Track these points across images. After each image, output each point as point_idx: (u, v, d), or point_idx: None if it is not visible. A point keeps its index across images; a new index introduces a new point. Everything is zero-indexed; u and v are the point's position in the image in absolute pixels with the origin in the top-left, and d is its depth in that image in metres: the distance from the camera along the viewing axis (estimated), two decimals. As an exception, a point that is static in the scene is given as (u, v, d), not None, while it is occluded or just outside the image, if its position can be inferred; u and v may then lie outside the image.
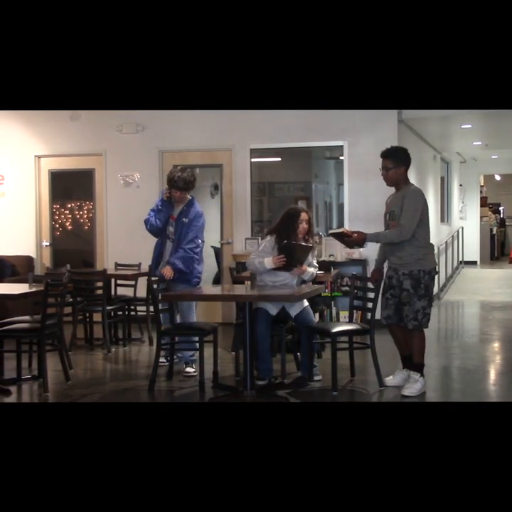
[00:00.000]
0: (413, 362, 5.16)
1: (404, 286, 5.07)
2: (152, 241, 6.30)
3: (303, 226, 5.48)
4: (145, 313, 7.48)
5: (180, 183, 5.86)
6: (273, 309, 5.42)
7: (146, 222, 6.09)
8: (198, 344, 5.46)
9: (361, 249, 5.28)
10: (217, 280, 8.66)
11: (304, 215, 5.51)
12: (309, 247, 5.49)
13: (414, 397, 5.04)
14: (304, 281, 5.56)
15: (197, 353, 5.99)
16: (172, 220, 6.03)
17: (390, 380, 5.38)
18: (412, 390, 5.09)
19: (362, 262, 7.90)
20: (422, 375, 5.14)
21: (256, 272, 5.39)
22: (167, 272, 5.84)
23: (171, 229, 6.04)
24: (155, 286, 5.61)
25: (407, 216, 5.00)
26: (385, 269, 5.38)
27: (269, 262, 5.33)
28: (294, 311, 5.47)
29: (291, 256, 5.35)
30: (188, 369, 5.90)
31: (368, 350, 5.39)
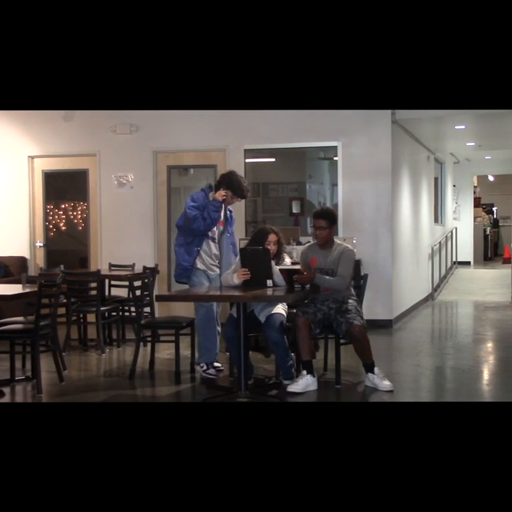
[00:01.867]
0: (366, 363, 5.31)
1: (350, 301, 5.41)
2: (147, 241, 6.24)
3: (270, 247, 5.29)
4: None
5: (247, 194, 6.11)
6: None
7: (196, 218, 5.69)
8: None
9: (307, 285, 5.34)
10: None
11: (272, 237, 5.37)
12: (259, 250, 5.14)
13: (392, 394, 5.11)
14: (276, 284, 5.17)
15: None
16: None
17: (293, 387, 5.21)
18: (385, 387, 5.18)
19: (357, 262, 7.89)
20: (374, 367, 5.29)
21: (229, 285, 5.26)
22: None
23: (216, 230, 5.91)
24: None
25: (346, 270, 5.44)
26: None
27: (236, 276, 5.15)
28: (263, 315, 5.31)
29: (253, 266, 5.11)
30: (216, 364, 6.08)
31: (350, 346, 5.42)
